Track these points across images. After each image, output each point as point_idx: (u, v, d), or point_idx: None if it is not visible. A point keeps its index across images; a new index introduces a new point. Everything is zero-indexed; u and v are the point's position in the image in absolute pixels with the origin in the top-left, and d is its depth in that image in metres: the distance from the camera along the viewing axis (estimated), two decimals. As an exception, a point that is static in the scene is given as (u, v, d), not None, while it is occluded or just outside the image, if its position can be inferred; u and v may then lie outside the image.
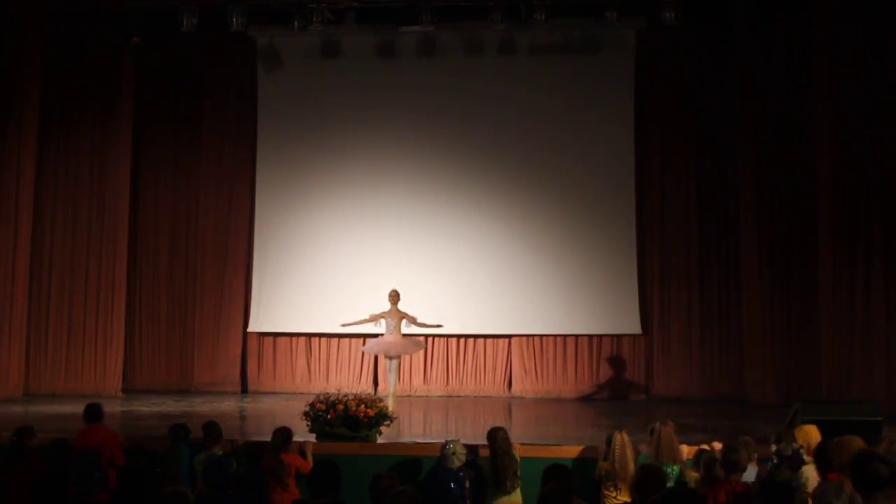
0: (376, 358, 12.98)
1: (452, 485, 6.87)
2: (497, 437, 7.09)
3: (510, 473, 6.95)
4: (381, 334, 10.82)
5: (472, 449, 7.37)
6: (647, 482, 4.76)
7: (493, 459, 6.99)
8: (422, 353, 12.82)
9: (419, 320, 10.87)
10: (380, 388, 12.70)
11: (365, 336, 11.81)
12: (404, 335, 10.78)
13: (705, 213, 12.96)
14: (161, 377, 13.27)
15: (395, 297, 10.72)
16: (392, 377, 10.81)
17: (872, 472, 4.02)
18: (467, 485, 6.99)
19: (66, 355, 12.87)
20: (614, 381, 12.89)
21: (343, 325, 11.31)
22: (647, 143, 13.08)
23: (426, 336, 12.01)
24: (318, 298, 13.04)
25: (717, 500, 5.26)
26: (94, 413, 7.45)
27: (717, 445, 6.68)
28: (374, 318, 10.79)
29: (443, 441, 7.18)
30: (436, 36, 12.97)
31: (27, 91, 12.15)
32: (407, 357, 12.98)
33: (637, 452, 6.93)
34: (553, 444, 8.16)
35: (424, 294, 12.27)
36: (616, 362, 12.94)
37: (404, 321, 10.73)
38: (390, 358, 10.81)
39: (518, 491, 6.99)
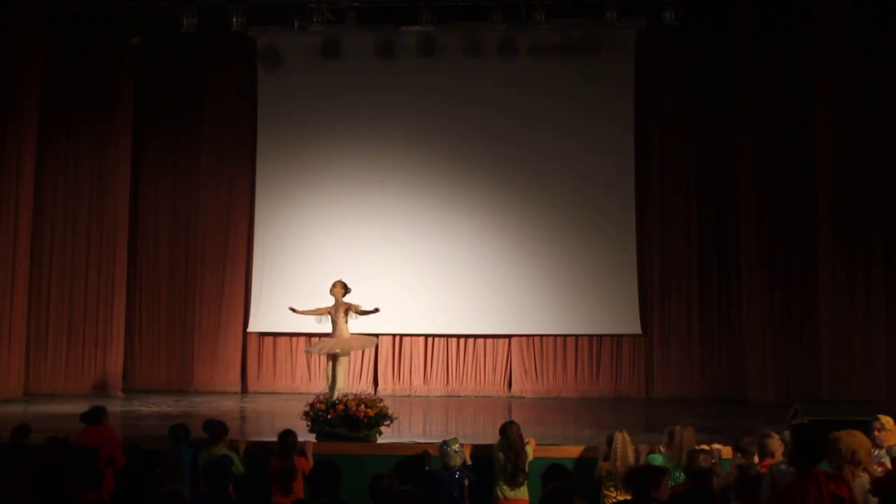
0: (376, 357, 12.96)
1: (451, 485, 6.88)
2: (510, 431, 7.12)
3: (520, 468, 6.98)
4: (329, 334, 9.63)
5: (471, 449, 7.38)
6: (635, 479, 4.76)
7: (507, 453, 7.01)
8: (422, 352, 12.82)
9: (362, 308, 9.52)
10: (380, 388, 12.69)
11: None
12: (353, 334, 9.63)
13: (705, 213, 12.96)
14: (161, 377, 13.27)
15: (340, 287, 9.52)
16: (340, 378, 9.26)
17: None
18: (466, 483, 7.00)
19: (66, 355, 12.88)
20: (614, 381, 12.90)
21: (291, 309, 9.83)
22: (647, 142, 13.08)
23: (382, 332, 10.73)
24: (318, 298, 12.92)
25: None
26: (94, 415, 7.41)
27: (717, 447, 6.67)
28: (319, 312, 9.61)
29: (442, 441, 7.19)
30: (436, 36, 12.97)
31: (27, 91, 12.15)
32: (407, 357, 12.99)
33: (637, 452, 6.92)
34: (553, 444, 8.16)
35: (425, 294, 12.26)
36: (616, 362, 12.93)
37: (351, 314, 9.47)
38: (340, 356, 9.38)
39: (525, 486, 7.02)
